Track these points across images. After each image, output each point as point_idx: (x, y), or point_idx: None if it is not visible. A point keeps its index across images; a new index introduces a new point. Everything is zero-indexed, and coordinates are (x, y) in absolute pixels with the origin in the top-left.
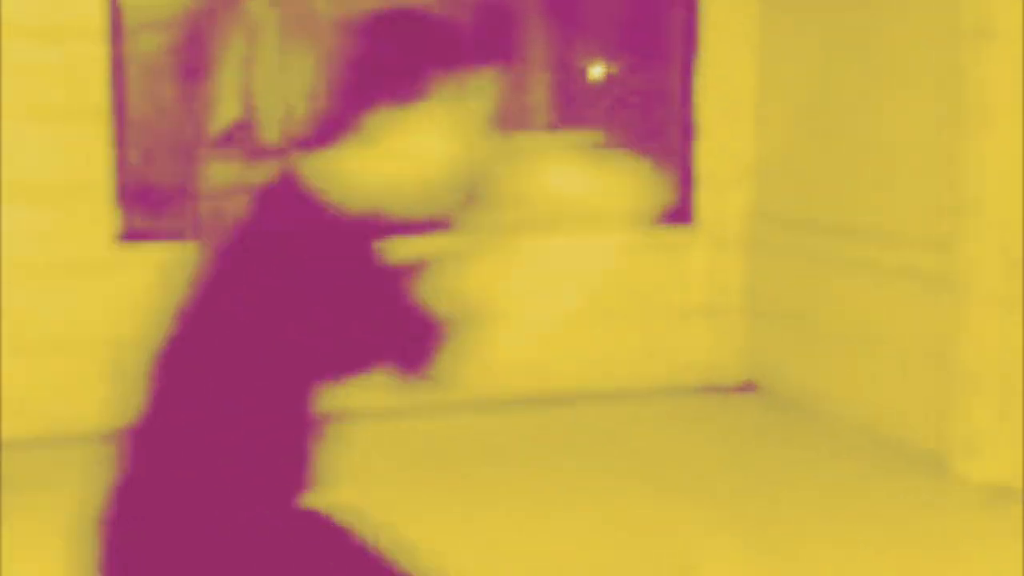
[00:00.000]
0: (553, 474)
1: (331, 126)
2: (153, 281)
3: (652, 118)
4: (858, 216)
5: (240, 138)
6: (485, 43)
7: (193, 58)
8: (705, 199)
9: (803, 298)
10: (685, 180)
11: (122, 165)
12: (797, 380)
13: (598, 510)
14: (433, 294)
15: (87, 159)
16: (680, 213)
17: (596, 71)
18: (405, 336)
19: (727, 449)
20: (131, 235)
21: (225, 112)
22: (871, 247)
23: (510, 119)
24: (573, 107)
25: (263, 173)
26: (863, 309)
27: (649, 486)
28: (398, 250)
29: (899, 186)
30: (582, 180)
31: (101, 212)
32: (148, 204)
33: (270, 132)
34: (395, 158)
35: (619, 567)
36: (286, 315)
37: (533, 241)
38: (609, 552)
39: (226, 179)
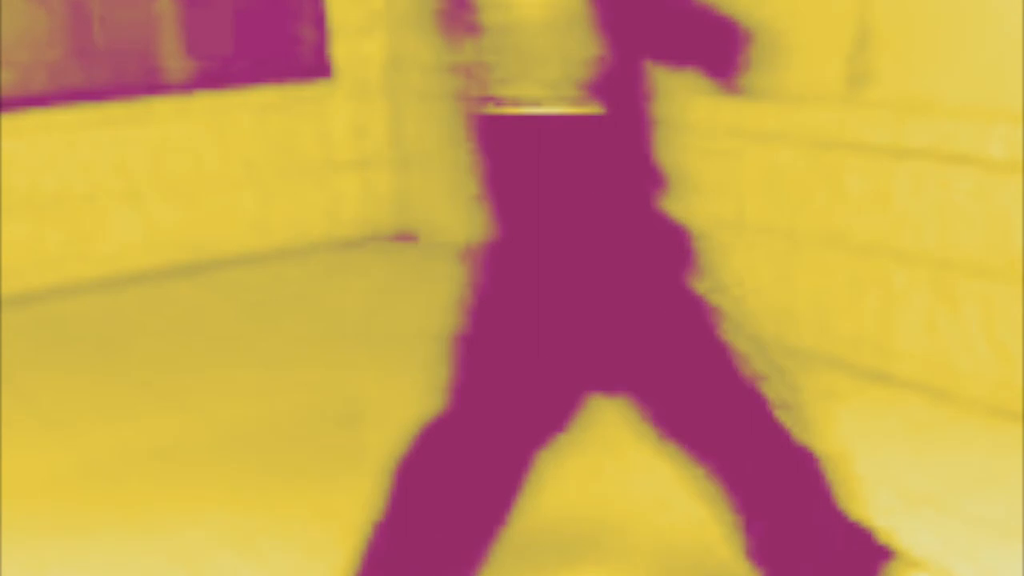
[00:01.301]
0: (221, 341)
1: None
2: None
3: None
4: None
5: None
6: None
7: None
8: (340, 50)
9: (447, 143)
10: (319, 31)
11: None
12: (451, 225)
13: (272, 369)
14: None
15: None
16: (317, 66)
17: None
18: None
19: (392, 297)
20: None
21: None
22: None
23: None
24: None
25: None
26: None
27: (317, 340)
28: None
29: None
30: None
31: None
32: None
33: None
34: None
35: (299, 419)
36: None
37: None
38: (289, 407)
39: None
